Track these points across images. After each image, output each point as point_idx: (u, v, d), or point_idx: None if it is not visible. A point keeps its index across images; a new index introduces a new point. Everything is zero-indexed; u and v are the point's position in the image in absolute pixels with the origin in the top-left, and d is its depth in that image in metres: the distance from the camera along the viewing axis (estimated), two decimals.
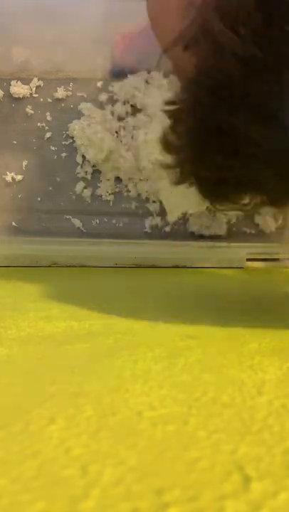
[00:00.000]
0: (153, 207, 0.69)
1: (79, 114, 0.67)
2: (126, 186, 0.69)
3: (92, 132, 0.66)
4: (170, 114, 0.38)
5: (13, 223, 0.68)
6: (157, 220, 0.69)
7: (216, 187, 0.38)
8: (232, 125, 0.33)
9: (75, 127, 0.67)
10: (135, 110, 0.67)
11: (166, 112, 0.39)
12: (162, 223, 0.69)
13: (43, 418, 0.21)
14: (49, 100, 0.68)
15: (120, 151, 0.67)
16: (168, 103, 0.39)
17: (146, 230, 0.69)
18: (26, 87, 0.68)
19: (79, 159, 0.68)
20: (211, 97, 0.34)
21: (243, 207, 0.41)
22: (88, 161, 0.67)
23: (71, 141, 0.68)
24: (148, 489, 0.16)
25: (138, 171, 0.67)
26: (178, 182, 0.40)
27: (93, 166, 0.68)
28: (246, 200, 0.40)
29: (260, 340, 0.35)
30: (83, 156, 0.68)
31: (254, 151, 0.34)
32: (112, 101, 0.67)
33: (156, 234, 0.69)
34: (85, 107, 0.67)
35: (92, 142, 0.66)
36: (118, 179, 0.69)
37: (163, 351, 0.31)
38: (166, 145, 0.39)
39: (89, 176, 0.68)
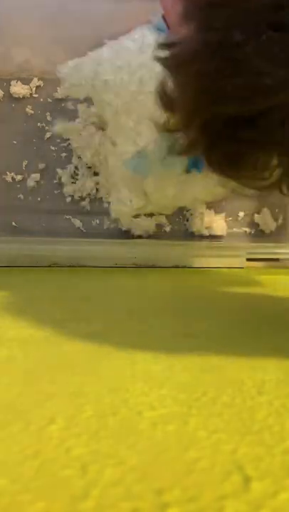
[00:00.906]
0: None
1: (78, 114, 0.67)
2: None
3: (87, 134, 0.66)
4: (168, 60, 0.29)
5: (13, 223, 0.68)
6: (157, 220, 0.69)
7: (233, 146, 0.29)
8: (258, 64, 0.25)
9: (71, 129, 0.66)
10: None
11: (160, 59, 0.29)
12: (163, 223, 0.69)
13: (43, 418, 0.21)
14: (49, 100, 0.68)
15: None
16: (163, 45, 0.29)
17: (145, 229, 0.69)
18: (26, 87, 0.68)
19: (75, 161, 0.68)
20: (229, 28, 0.25)
21: (259, 181, 0.32)
22: (86, 162, 0.67)
23: (70, 141, 0.68)
24: (148, 489, 0.16)
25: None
26: (183, 149, 0.31)
27: (89, 167, 0.68)
28: (264, 173, 0.31)
29: (260, 340, 0.35)
30: (79, 157, 0.67)
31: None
32: None
33: (156, 234, 0.69)
34: (81, 108, 0.67)
35: (88, 144, 0.66)
36: None
37: (163, 351, 0.31)
38: (166, 100, 0.30)
39: (88, 177, 0.68)
